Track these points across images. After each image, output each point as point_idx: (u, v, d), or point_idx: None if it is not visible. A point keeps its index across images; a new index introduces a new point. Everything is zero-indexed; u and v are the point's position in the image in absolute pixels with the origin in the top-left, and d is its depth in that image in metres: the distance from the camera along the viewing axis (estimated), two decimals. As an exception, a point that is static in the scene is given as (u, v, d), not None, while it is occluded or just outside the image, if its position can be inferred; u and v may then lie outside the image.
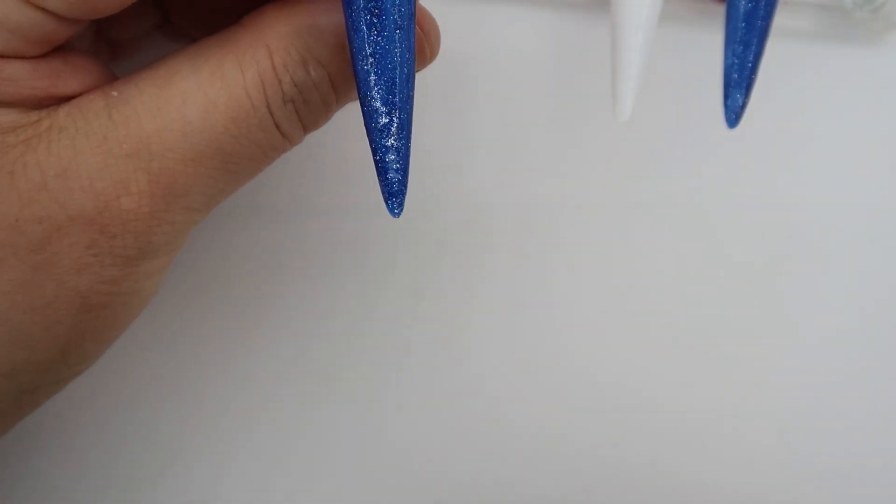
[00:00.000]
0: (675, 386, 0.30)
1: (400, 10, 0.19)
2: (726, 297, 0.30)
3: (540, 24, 0.31)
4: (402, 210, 0.19)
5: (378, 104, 0.19)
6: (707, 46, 0.28)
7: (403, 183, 0.19)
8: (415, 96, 0.20)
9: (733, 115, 0.21)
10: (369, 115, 0.19)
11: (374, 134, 0.19)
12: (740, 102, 0.21)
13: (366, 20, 0.19)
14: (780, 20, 0.26)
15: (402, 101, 0.19)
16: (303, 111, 0.21)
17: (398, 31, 0.19)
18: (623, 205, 0.31)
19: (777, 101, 0.31)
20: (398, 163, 0.19)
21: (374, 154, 0.19)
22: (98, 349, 0.21)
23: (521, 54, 0.31)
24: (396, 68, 0.19)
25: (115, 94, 0.20)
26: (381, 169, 0.19)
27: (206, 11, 0.24)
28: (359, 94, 0.19)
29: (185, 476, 0.28)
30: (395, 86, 0.19)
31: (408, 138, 0.19)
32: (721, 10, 0.22)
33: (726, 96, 0.21)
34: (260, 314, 0.29)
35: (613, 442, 0.29)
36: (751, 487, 0.29)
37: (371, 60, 0.19)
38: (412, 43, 0.19)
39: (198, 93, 0.20)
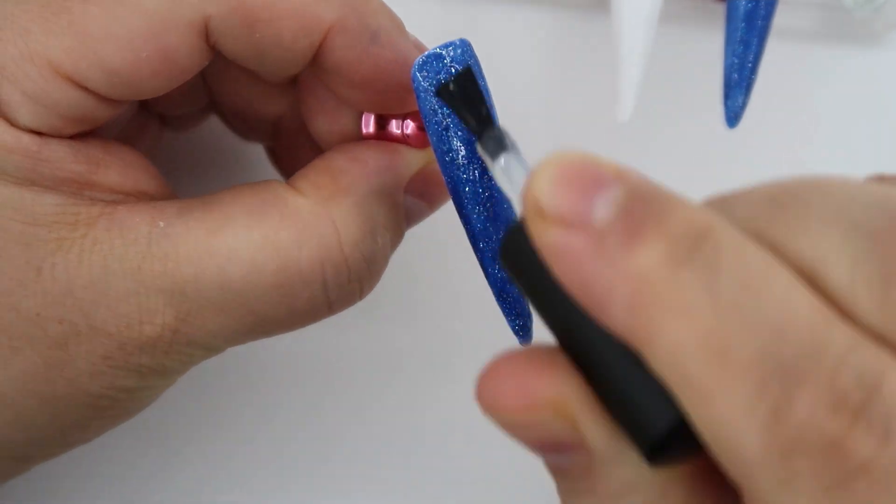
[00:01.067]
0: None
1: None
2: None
3: (540, 25, 0.31)
4: (531, 338, 0.20)
5: (496, 246, 0.20)
6: (707, 46, 0.28)
7: (530, 314, 0.20)
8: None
9: (733, 114, 0.21)
10: (489, 259, 0.20)
11: (498, 275, 0.20)
12: (740, 102, 0.21)
13: (476, 168, 0.19)
14: (780, 20, 0.26)
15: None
16: (367, 282, 0.21)
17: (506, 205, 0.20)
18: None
19: (777, 101, 0.31)
20: (523, 307, 0.20)
21: (499, 295, 0.20)
22: (97, 434, 0.21)
23: (522, 55, 0.31)
24: (508, 208, 0.20)
25: (161, 224, 0.19)
26: (510, 305, 0.20)
27: (251, 99, 0.24)
28: (475, 241, 0.19)
29: (184, 478, 0.28)
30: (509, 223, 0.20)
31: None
32: (721, 10, 0.22)
33: (726, 96, 0.21)
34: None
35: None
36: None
37: (487, 205, 0.19)
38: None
39: (245, 253, 0.19)
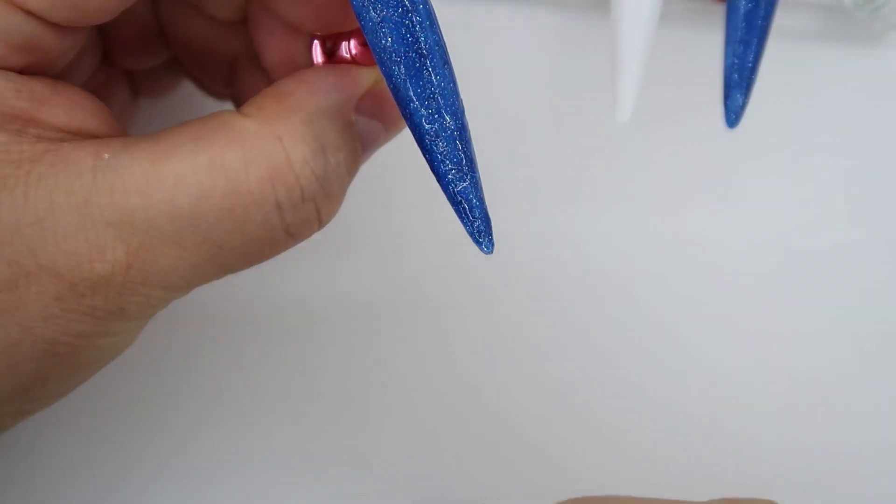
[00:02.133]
0: (675, 385, 0.30)
1: (440, 45, 0.18)
2: (726, 296, 0.30)
3: (540, 25, 0.31)
4: (492, 245, 0.19)
5: (445, 146, 0.18)
6: (707, 46, 0.28)
7: (487, 216, 0.19)
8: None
9: (733, 115, 0.21)
10: (438, 161, 0.18)
11: (446, 177, 0.19)
12: (740, 102, 0.21)
13: (412, 67, 0.18)
14: (780, 20, 0.26)
15: (464, 136, 0.19)
16: (324, 206, 0.20)
17: (446, 67, 0.18)
18: (623, 204, 0.31)
19: (777, 101, 0.31)
20: (477, 197, 0.19)
21: (452, 198, 0.19)
22: (62, 389, 0.21)
23: (522, 55, 0.31)
24: (454, 104, 0.18)
25: (106, 156, 0.19)
26: (463, 209, 0.19)
27: (206, 41, 0.24)
28: (422, 143, 0.18)
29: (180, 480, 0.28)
30: (456, 123, 0.18)
31: (477, 171, 0.19)
32: (721, 10, 0.22)
33: (726, 96, 0.21)
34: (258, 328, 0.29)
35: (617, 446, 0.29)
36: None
37: (427, 103, 0.18)
38: (454, 75, 0.19)
39: (192, 178, 0.18)
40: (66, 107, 0.20)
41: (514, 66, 0.31)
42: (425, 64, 0.18)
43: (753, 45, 0.21)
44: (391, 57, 0.18)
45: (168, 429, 0.28)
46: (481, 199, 0.19)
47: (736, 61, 0.21)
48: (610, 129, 0.30)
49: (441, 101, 0.18)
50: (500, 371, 0.30)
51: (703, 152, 0.31)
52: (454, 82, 0.19)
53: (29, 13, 0.18)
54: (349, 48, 0.22)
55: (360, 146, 0.21)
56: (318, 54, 0.22)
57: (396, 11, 0.18)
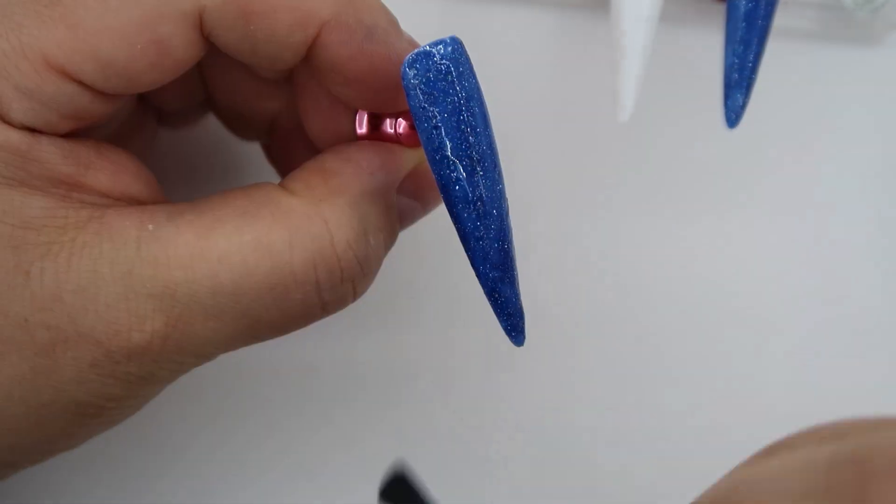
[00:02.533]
0: (674, 385, 0.30)
1: (491, 148, 0.19)
2: (726, 295, 0.30)
3: (541, 25, 0.31)
4: (524, 340, 0.20)
5: (487, 246, 0.19)
6: (707, 46, 0.29)
7: (522, 314, 0.20)
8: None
9: (733, 114, 0.21)
10: (480, 259, 0.19)
11: (488, 275, 0.19)
12: (740, 102, 0.21)
13: (466, 170, 0.19)
14: (780, 20, 0.26)
15: (507, 236, 0.19)
16: (360, 283, 0.20)
17: (495, 169, 0.19)
18: (624, 204, 0.31)
19: (777, 101, 0.31)
20: (515, 296, 0.20)
21: (490, 294, 0.20)
22: (84, 440, 0.21)
23: (522, 54, 0.31)
24: (502, 207, 0.19)
25: (150, 227, 0.19)
26: (503, 308, 0.20)
27: (247, 96, 0.24)
28: (465, 244, 0.19)
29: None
30: (503, 224, 0.19)
31: (516, 268, 0.20)
32: (721, 10, 0.22)
33: (726, 96, 0.21)
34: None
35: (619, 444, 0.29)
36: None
37: (478, 204, 0.19)
38: (503, 183, 0.19)
39: (237, 256, 0.19)
40: (111, 171, 0.20)
41: (514, 66, 0.31)
42: (475, 169, 0.19)
43: (753, 45, 0.21)
44: (444, 160, 0.19)
45: (170, 438, 0.28)
46: (517, 296, 0.20)
47: (736, 61, 0.21)
48: (610, 129, 0.30)
49: (488, 205, 0.19)
50: (499, 373, 0.30)
51: (703, 152, 0.31)
52: (502, 184, 0.19)
53: (81, 84, 0.18)
54: (395, 125, 0.22)
55: (398, 225, 0.22)
56: (362, 124, 0.22)
57: (454, 116, 0.18)
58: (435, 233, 0.30)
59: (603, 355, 0.30)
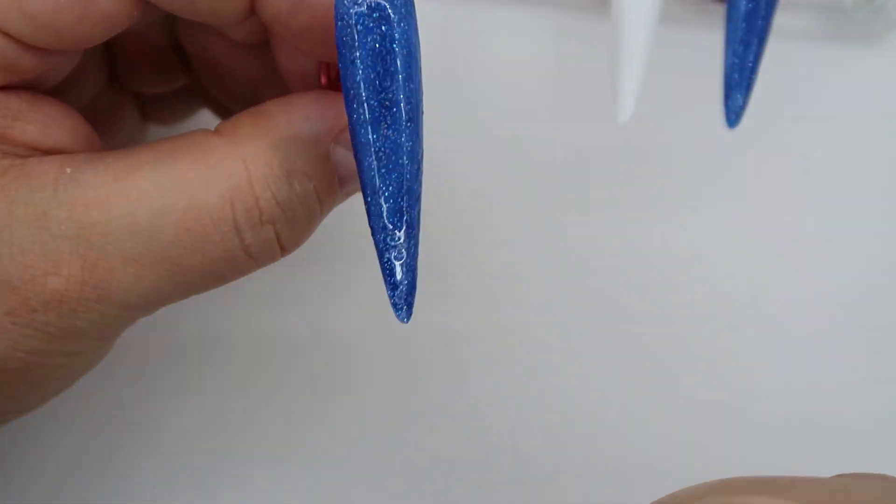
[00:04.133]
0: (674, 385, 0.30)
1: (410, 102, 0.17)
2: (726, 295, 0.30)
3: (540, 26, 0.31)
4: (410, 316, 0.18)
5: (385, 203, 0.18)
6: (707, 46, 0.28)
7: (412, 286, 0.18)
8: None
9: (734, 114, 0.21)
10: (375, 216, 0.18)
11: (381, 235, 0.18)
12: (741, 102, 0.21)
13: (374, 114, 0.17)
14: (780, 20, 0.26)
15: (410, 200, 0.18)
16: (284, 231, 0.20)
17: (409, 124, 0.18)
18: (624, 204, 0.31)
19: (777, 101, 0.31)
20: (407, 265, 0.18)
21: (381, 256, 0.18)
22: (18, 407, 0.20)
23: (522, 55, 0.31)
24: (405, 164, 0.18)
25: (68, 170, 0.18)
26: (389, 272, 0.18)
27: (226, 67, 0.23)
28: (364, 193, 0.18)
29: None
30: (404, 183, 0.18)
31: (416, 239, 0.18)
32: (721, 10, 0.22)
33: (727, 96, 0.21)
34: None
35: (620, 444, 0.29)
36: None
37: (378, 156, 0.18)
38: (421, 136, 0.18)
39: (153, 194, 0.18)
40: (42, 123, 0.19)
41: (514, 66, 0.31)
42: (384, 115, 0.18)
43: (754, 46, 0.21)
44: (354, 98, 0.18)
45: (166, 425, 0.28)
46: (411, 269, 0.18)
47: (736, 61, 0.21)
48: (610, 129, 0.30)
49: (391, 158, 0.18)
50: (498, 375, 0.30)
51: (703, 152, 0.31)
52: (414, 143, 0.18)
53: (8, 36, 0.18)
54: None
55: (335, 178, 0.20)
56: (321, 75, 0.22)
57: (373, 54, 0.17)
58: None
59: (602, 355, 0.30)
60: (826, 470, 0.28)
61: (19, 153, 0.19)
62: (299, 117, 0.20)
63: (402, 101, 0.17)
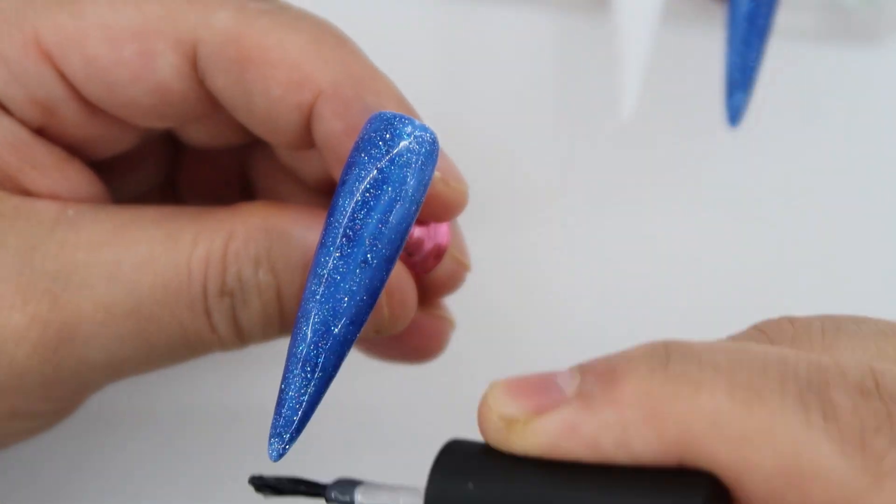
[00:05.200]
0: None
1: (375, 247, 0.17)
2: (726, 295, 0.30)
3: (540, 25, 0.31)
4: (280, 456, 0.17)
5: (309, 330, 0.17)
6: (708, 46, 0.28)
7: (296, 427, 0.17)
8: (386, 251, 0.17)
9: (735, 113, 0.21)
10: (294, 338, 0.17)
11: (291, 361, 0.17)
12: (742, 101, 0.21)
13: (335, 240, 0.17)
14: (780, 20, 0.26)
15: (334, 342, 0.17)
16: (240, 312, 0.19)
17: (363, 266, 0.17)
18: (624, 204, 0.31)
19: (778, 101, 0.31)
20: (300, 403, 0.17)
21: (282, 381, 0.17)
22: None
23: (522, 55, 0.31)
24: (344, 302, 0.17)
25: (70, 212, 0.18)
26: (281, 400, 0.17)
27: (212, 186, 0.23)
28: (297, 313, 0.17)
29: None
30: (336, 319, 0.17)
31: (324, 383, 0.17)
32: (722, 10, 0.22)
33: (728, 95, 0.21)
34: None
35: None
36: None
37: (321, 282, 0.17)
38: (376, 287, 0.17)
39: (143, 245, 0.18)
40: (56, 182, 0.19)
41: (514, 66, 0.31)
42: (339, 244, 0.17)
43: (755, 45, 0.21)
44: (329, 214, 0.17)
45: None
46: (302, 412, 0.17)
47: (738, 61, 0.21)
48: (611, 129, 0.30)
49: (326, 289, 0.17)
50: (497, 374, 0.29)
51: (705, 151, 0.31)
52: (361, 288, 0.17)
53: (62, 75, 0.18)
54: None
55: (301, 288, 0.20)
56: None
57: (361, 182, 0.17)
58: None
59: (599, 352, 0.30)
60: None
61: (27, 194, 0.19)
62: (300, 221, 0.19)
63: (366, 240, 0.17)
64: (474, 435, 0.15)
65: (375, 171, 0.17)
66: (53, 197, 0.19)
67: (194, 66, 0.18)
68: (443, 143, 0.30)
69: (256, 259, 0.19)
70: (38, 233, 0.18)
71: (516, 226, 0.30)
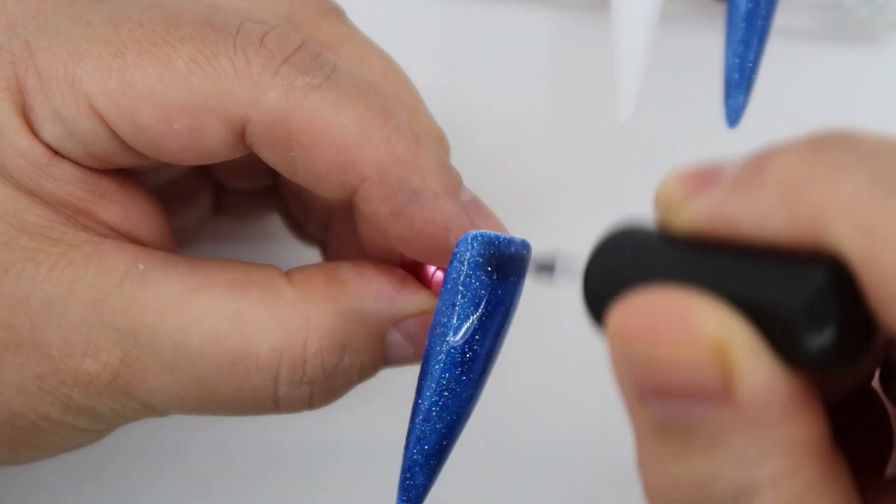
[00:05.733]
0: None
1: (491, 358, 0.19)
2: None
3: (540, 25, 0.31)
4: None
5: (431, 433, 0.19)
6: (707, 46, 0.28)
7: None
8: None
9: (734, 114, 0.21)
10: (418, 440, 0.19)
11: (416, 456, 0.19)
12: (741, 102, 0.21)
13: (453, 358, 0.18)
14: (780, 20, 0.26)
15: (455, 437, 0.19)
16: (319, 395, 0.20)
17: (482, 376, 0.19)
18: (624, 204, 0.31)
19: (777, 101, 0.31)
20: (424, 489, 0.19)
21: (406, 473, 0.19)
22: (14, 460, 0.21)
23: (522, 55, 0.31)
24: (466, 409, 0.19)
25: (141, 266, 0.19)
26: (406, 489, 0.19)
27: (307, 197, 0.24)
28: (414, 416, 0.19)
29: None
30: (458, 422, 0.19)
31: (433, 477, 0.19)
32: (721, 10, 0.22)
33: (727, 96, 0.21)
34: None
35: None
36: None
37: (441, 396, 0.18)
38: (484, 383, 0.19)
39: (211, 321, 0.19)
40: (125, 206, 0.20)
41: (514, 66, 0.31)
42: (462, 362, 0.18)
43: (754, 45, 0.21)
44: (440, 334, 0.18)
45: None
46: (424, 492, 0.19)
47: (736, 61, 0.21)
48: (610, 129, 0.30)
49: (450, 399, 0.19)
50: (497, 373, 0.30)
51: (704, 152, 0.31)
52: (474, 394, 0.19)
53: (114, 134, 0.19)
54: (435, 271, 0.21)
55: (382, 359, 0.21)
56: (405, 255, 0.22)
57: (478, 310, 0.18)
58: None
59: (602, 353, 0.30)
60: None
61: (98, 230, 0.19)
62: (370, 294, 0.20)
63: (484, 357, 0.18)
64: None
65: (488, 294, 0.18)
66: (123, 227, 0.20)
67: (242, 138, 0.19)
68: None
69: (342, 348, 0.19)
70: (108, 284, 0.19)
71: (516, 225, 0.30)
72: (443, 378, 0.18)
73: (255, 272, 0.20)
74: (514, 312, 0.19)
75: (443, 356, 0.18)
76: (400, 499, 0.19)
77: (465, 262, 0.18)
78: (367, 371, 0.20)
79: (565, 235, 0.31)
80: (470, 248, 0.18)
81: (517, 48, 0.31)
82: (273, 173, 0.23)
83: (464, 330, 0.18)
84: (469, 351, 0.18)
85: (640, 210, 0.30)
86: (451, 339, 0.18)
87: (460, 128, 0.31)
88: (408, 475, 0.19)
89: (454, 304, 0.18)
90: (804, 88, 0.31)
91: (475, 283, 0.18)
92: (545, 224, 0.30)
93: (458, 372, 0.18)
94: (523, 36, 0.31)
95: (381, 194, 0.19)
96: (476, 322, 0.18)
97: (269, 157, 0.19)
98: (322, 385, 0.20)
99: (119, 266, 0.19)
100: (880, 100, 0.32)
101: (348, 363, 0.20)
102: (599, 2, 0.30)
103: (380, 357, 0.20)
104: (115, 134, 0.19)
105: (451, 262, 0.18)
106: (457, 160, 0.30)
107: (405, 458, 0.19)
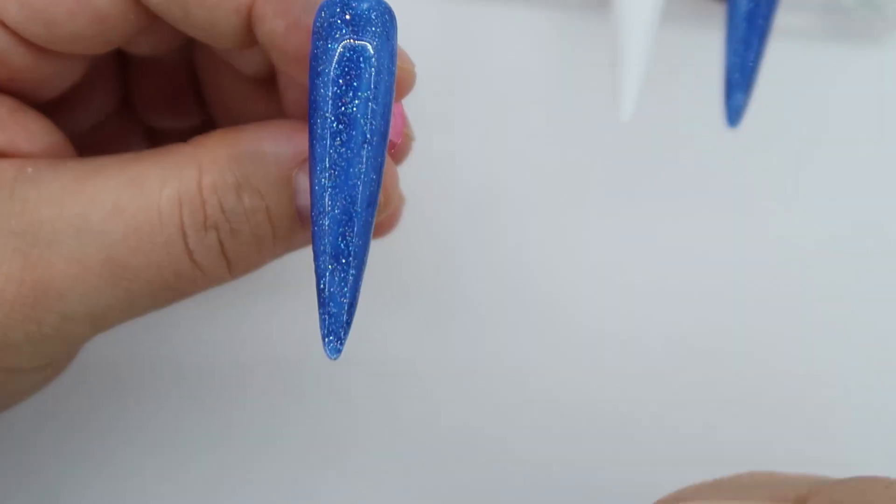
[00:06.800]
0: (669, 387, 0.30)
1: (371, 124, 0.17)
2: (725, 295, 0.30)
3: (541, 25, 0.31)
4: (339, 353, 0.17)
5: (330, 223, 0.17)
6: (708, 46, 0.28)
7: (346, 321, 0.17)
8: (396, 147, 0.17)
9: (735, 114, 0.21)
10: (319, 235, 0.17)
11: (321, 258, 0.17)
12: (741, 102, 0.21)
13: (331, 128, 0.17)
14: (779, 19, 0.26)
15: (359, 226, 0.17)
16: (229, 243, 0.19)
17: (366, 146, 0.17)
18: (623, 204, 0.31)
19: (778, 101, 0.31)
20: (344, 295, 0.17)
21: (318, 280, 0.17)
22: None
23: (522, 55, 0.31)
24: (358, 185, 0.17)
25: (29, 170, 0.18)
26: (323, 299, 0.17)
27: (236, 102, 0.23)
28: (311, 211, 0.17)
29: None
30: (355, 205, 0.17)
31: (360, 269, 0.17)
32: (721, 10, 0.22)
33: (728, 96, 0.21)
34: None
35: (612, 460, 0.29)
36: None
37: (330, 173, 0.17)
38: (380, 163, 0.17)
39: (108, 194, 0.18)
40: (15, 134, 0.19)
41: (513, 65, 0.31)
42: (339, 131, 0.17)
43: (754, 45, 0.21)
44: (314, 110, 0.17)
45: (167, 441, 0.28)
46: (348, 304, 0.17)
47: (737, 61, 0.21)
48: (610, 129, 0.30)
49: (343, 179, 0.17)
50: (497, 377, 0.30)
51: (704, 152, 0.31)
52: (370, 167, 0.17)
53: (2, 24, 0.18)
54: None
55: (295, 206, 0.20)
56: None
57: (339, 67, 0.17)
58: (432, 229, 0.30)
59: (601, 353, 0.30)
60: (821, 468, 0.28)
61: None
62: (267, 136, 0.19)
63: (361, 119, 0.17)
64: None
65: (347, 52, 0.17)
66: (14, 151, 0.19)
67: None
68: (442, 142, 0.30)
69: (237, 186, 0.19)
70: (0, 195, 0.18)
71: (515, 225, 0.30)
72: (325, 157, 0.17)
73: (154, 150, 0.19)
74: (390, 78, 0.17)
75: (319, 131, 0.17)
76: (322, 325, 0.17)
77: (322, 27, 0.17)
78: (277, 220, 0.19)
79: (565, 235, 0.31)
80: (322, 10, 0.17)
81: (517, 48, 0.31)
82: (202, 107, 0.23)
83: (331, 95, 0.17)
84: (343, 116, 0.17)
85: (638, 210, 0.30)
86: (324, 112, 0.17)
87: (459, 127, 0.31)
88: (319, 286, 0.17)
89: (318, 74, 0.17)
90: (804, 88, 0.31)
91: (330, 43, 0.17)
92: (545, 224, 0.30)
93: (336, 142, 0.17)
94: (523, 36, 0.31)
95: (275, 8, 0.18)
96: (344, 86, 0.17)
97: (159, 3, 0.18)
98: (227, 230, 0.19)
99: (7, 174, 0.18)
100: (880, 100, 0.32)
101: (250, 205, 0.19)
102: (599, 2, 0.30)
103: (288, 201, 0.19)
104: (3, 24, 0.18)
105: (312, 34, 0.17)
106: (457, 159, 0.30)
107: (315, 268, 0.17)
